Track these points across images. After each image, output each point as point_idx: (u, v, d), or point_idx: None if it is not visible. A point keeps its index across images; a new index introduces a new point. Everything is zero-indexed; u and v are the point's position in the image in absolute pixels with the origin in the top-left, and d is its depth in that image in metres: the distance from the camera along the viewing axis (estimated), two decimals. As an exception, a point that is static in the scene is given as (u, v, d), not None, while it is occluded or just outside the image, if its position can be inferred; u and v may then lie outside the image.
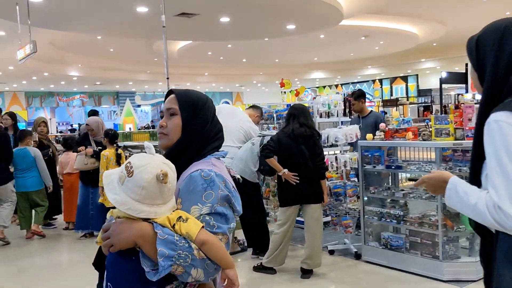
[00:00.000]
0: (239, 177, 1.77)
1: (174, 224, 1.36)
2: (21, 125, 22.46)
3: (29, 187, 6.33)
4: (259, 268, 4.66)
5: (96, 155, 6.03)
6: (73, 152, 6.77)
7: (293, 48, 16.59)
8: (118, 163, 5.87)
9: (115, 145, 6.09)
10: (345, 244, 5.13)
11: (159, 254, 1.29)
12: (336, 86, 25.00)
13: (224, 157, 1.67)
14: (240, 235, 5.45)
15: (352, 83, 26.42)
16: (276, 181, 4.81)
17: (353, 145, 5.40)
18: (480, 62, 1.59)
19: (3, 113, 7.73)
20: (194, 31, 11.78)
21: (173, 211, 1.41)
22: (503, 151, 1.42)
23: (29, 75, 18.97)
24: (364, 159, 4.78)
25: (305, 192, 4.38)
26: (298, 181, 4.35)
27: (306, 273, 4.47)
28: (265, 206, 5.60)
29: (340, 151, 5.16)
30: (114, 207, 1.40)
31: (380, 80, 24.81)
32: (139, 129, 21.02)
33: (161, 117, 1.68)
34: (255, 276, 4.60)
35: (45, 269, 5.23)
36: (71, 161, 6.74)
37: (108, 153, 5.88)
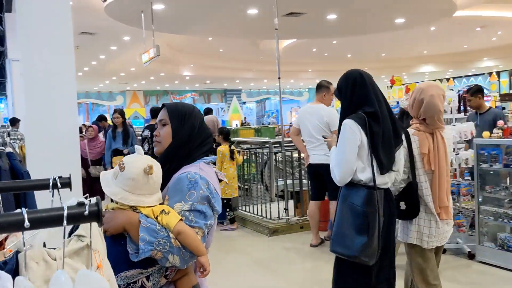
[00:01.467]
0: (226, 180, 2.08)
1: (157, 216, 1.60)
2: (140, 122, 24.47)
3: None
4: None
5: (213, 152, 6.53)
6: None
7: (400, 42, 16.14)
8: (232, 158, 6.30)
9: (228, 141, 6.52)
10: (457, 243, 5.04)
11: (141, 239, 1.53)
12: (448, 80, 23.66)
13: (214, 163, 1.91)
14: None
15: (466, 76, 24.90)
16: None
17: (469, 143, 5.26)
18: (342, 93, 2.76)
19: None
20: (301, 29, 12.00)
21: (159, 204, 1.67)
22: (341, 139, 2.64)
23: (147, 75, 20.59)
24: (480, 157, 4.66)
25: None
26: None
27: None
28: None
29: (454, 150, 5.07)
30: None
31: (498, 73, 23.11)
32: (243, 124, 21.86)
33: (156, 127, 1.94)
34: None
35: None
36: None
37: (223, 149, 6.33)
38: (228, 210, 6.40)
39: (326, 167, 5.18)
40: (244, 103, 30.12)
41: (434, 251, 2.96)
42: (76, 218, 0.74)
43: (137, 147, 1.71)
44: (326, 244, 5.57)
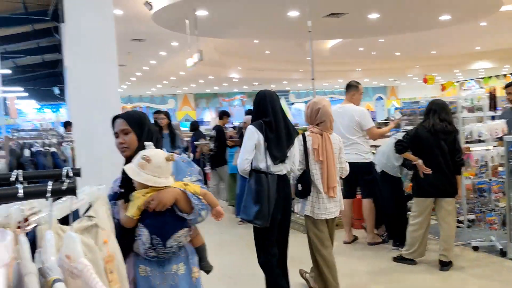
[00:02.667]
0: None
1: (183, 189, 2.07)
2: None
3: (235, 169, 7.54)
4: (399, 259, 4.84)
5: None
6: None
7: (451, 38, 15.71)
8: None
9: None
10: (491, 241, 5.00)
11: (194, 203, 2.04)
12: (505, 75, 22.76)
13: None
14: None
15: (524, 72, 23.78)
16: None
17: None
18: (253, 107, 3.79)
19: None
20: (343, 29, 12.06)
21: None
22: (244, 138, 3.58)
23: (197, 78, 21.22)
24: (510, 154, 4.62)
25: (441, 186, 4.46)
26: (429, 173, 4.46)
27: (445, 265, 4.53)
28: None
29: (487, 147, 5.04)
30: None
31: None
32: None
33: (116, 136, 2.24)
34: (395, 266, 4.79)
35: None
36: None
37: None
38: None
39: (357, 166, 5.33)
40: (293, 104, 30.23)
41: (327, 223, 3.90)
42: (57, 191, 0.99)
43: (148, 143, 2.08)
44: (359, 241, 5.68)
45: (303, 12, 9.79)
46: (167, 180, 2.05)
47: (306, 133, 3.88)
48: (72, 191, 1.02)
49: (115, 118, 2.29)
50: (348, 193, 5.65)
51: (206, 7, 9.17)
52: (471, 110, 5.30)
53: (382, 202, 5.40)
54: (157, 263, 2.11)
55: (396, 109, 7.22)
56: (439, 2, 9.73)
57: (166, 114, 7.85)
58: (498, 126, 4.76)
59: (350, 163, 5.37)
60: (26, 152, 3.07)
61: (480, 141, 5.11)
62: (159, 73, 18.83)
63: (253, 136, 3.55)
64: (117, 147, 2.25)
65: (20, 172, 1.32)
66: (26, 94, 18.12)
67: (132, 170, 2.02)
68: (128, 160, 2.16)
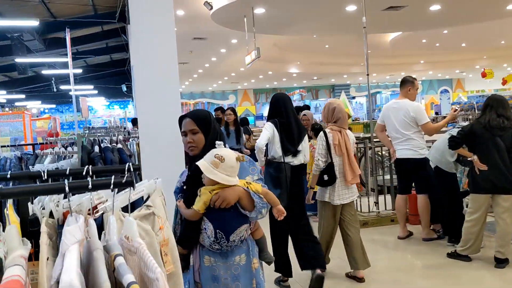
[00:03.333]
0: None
1: (247, 187, 2.16)
2: (251, 120, 25.57)
3: None
4: (454, 255, 4.80)
5: None
6: None
7: (522, 28, 14.93)
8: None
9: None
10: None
11: (256, 201, 2.13)
12: None
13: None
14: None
15: None
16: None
17: None
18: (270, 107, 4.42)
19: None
20: (403, 22, 11.84)
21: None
22: (264, 130, 4.22)
23: (256, 74, 21.52)
24: None
25: (498, 182, 4.38)
26: (485, 169, 4.39)
27: (501, 262, 4.44)
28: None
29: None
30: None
31: None
32: (353, 120, 21.73)
33: (184, 135, 2.35)
34: (450, 262, 4.75)
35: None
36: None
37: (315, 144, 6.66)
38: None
39: (412, 162, 5.33)
40: (353, 97, 29.85)
41: (341, 208, 4.40)
42: (118, 184, 1.20)
43: (219, 142, 2.23)
44: (413, 237, 5.66)
45: (360, 6, 9.72)
46: (236, 179, 2.17)
47: (327, 130, 4.40)
48: (130, 183, 1.23)
49: (182, 118, 2.38)
50: (403, 189, 5.65)
51: (263, 5, 9.36)
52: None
53: (437, 198, 5.35)
54: (220, 254, 2.23)
55: (453, 104, 7.03)
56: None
57: (233, 110, 7.69)
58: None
59: (405, 159, 5.41)
60: (96, 148, 3.42)
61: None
62: (219, 69, 19.30)
63: (270, 129, 4.23)
64: (185, 146, 2.35)
65: (90, 167, 1.57)
66: (96, 92, 19.16)
67: (206, 167, 2.14)
68: (196, 158, 2.25)
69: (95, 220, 1.48)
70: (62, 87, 15.97)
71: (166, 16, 5.51)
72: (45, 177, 1.55)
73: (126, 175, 1.22)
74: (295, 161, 4.27)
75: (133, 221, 1.26)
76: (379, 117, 5.73)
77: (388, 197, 6.64)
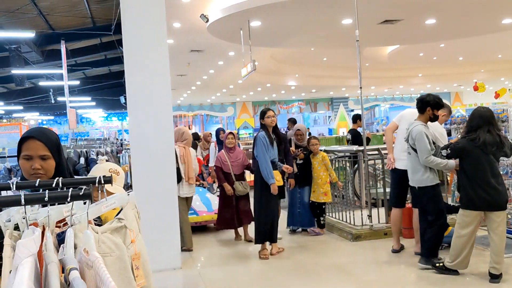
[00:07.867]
0: None
1: None
2: (249, 132, 25.61)
3: None
4: (441, 269, 4.70)
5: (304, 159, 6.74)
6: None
7: (518, 41, 15.02)
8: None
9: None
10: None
11: None
12: None
13: None
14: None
15: None
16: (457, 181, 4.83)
17: None
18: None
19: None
20: (399, 35, 11.89)
21: None
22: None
23: (255, 86, 21.57)
24: None
25: (491, 200, 4.34)
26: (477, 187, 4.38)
27: (495, 277, 4.39)
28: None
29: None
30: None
31: None
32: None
33: (27, 159, 1.93)
34: (444, 276, 4.65)
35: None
36: None
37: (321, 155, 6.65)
38: (323, 215, 6.73)
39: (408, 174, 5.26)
40: (352, 110, 29.88)
41: None
42: (75, 197, 1.18)
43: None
44: (406, 250, 5.62)
45: (356, 20, 9.77)
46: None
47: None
48: (87, 196, 1.22)
49: (26, 138, 1.98)
50: (398, 202, 5.60)
51: (259, 18, 9.40)
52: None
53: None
54: None
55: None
56: (498, 5, 9.39)
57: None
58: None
59: (402, 170, 5.35)
60: (82, 160, 3.42)
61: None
62: (217, 82, 19.35)
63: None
64: (25, 172, 1.99)
65: (61, 179, 1.55)
66: (94, 103, 19.22)
67: None
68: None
69: (62, 234, 1.47)
70: (60, 98, 16.05)
71: (159, 28, 5.53)
72: (14, 189, 1.54)
73: (84, 188, 1.20)
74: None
75: (91, 234, 1.24)
76: (397, 117, 5.66)
77: (382, 210, 6.60)
